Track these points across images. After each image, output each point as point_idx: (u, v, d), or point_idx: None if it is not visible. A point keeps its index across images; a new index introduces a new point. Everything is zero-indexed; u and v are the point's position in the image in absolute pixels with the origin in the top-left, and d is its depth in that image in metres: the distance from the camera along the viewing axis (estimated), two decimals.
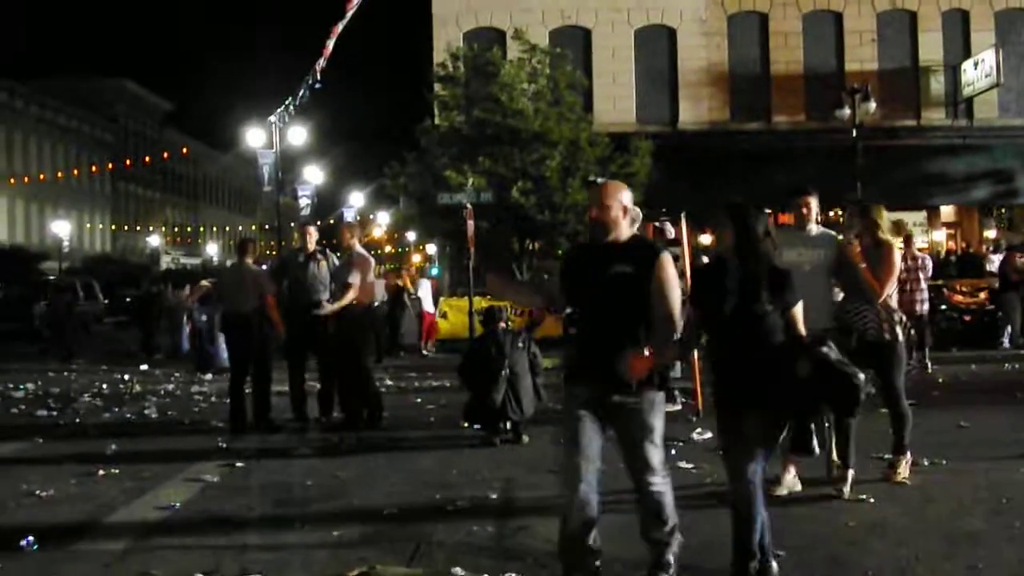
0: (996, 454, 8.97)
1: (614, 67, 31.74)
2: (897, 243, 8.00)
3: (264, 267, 13.49)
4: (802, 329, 5.48)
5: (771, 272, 5.46)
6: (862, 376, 5.32)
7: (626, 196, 5.58)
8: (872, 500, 7.34)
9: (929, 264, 17.23)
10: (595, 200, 5.52)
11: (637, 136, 27.56)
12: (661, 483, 5.35)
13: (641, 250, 5.50)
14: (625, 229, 5.55)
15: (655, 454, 5.36)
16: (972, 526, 6.62)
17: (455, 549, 6.37)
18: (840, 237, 7.96)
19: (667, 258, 5.41)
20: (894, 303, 7.93)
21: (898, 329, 7.79)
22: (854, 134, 26.94)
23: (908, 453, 8.07)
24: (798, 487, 7.62)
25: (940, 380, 15.14)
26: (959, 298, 21.62)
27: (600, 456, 5.40)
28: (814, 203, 7.75)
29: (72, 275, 45.83)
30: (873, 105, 27.77)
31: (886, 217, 8.00)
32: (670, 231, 13.20)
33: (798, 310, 5.45)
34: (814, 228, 7.74)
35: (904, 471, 8.00)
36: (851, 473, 7.66)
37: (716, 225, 5.63)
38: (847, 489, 7.51)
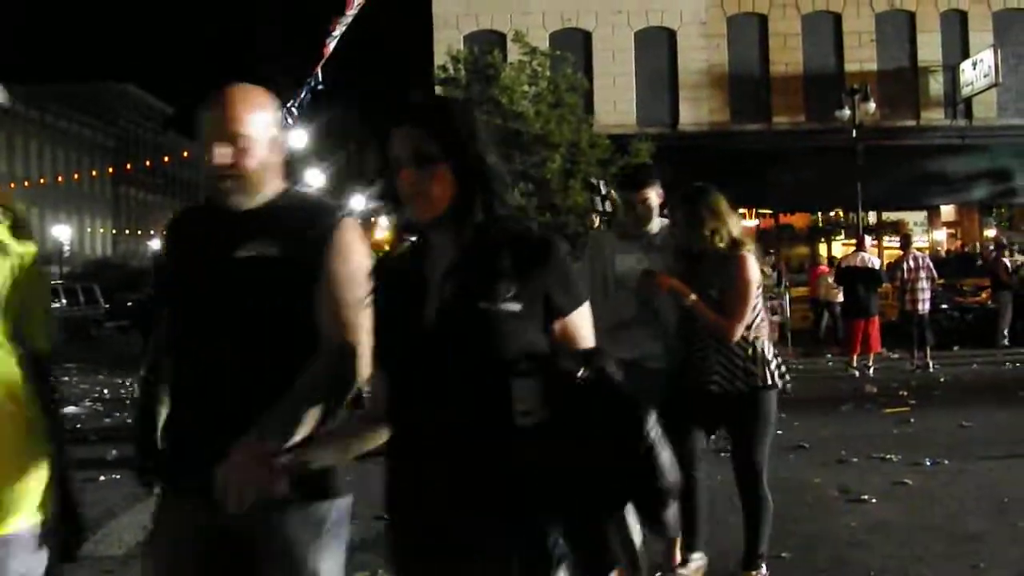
0: (998, 453, 8.96)
1: (614, 69, 31.74)
2: (752, 249, 5.42)
3: None
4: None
5: (518, 237, 2.55)
6: (651, 419, 2.29)
7: (272, 115, 3.00)
8: (874, 500, 7.33)
9: (931, 263, 17.33)
10: (218, 127, 2.87)
11: (638, 138, 27.56)
12: None
13: (302, 215, 2.91)
14: (275, 181, 2.98)
15: None
16: (975, 526, 6.61)
17: None
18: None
19: (351, 231, 2.92)
20: (762, 332, 5.35)
21: (761, 372, 5.22)
22: (854, 134, 26.93)
23: (764, 567, 5.41)
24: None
25: (941, 379, 15.16)
26: (960, 297, 21.75)
27: None
28: (654, 195, 5.58)
29: (72, 280, 45.89)
30: (872, 105, 27.78)
31: (729, 210, 5.40)
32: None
33: (579, 318, 2.55)
34: (656, 224, 5.65)
35: None
36: (698, 561, 5.46)
37: (397, 153, 2.54)
38: None
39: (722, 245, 5.27)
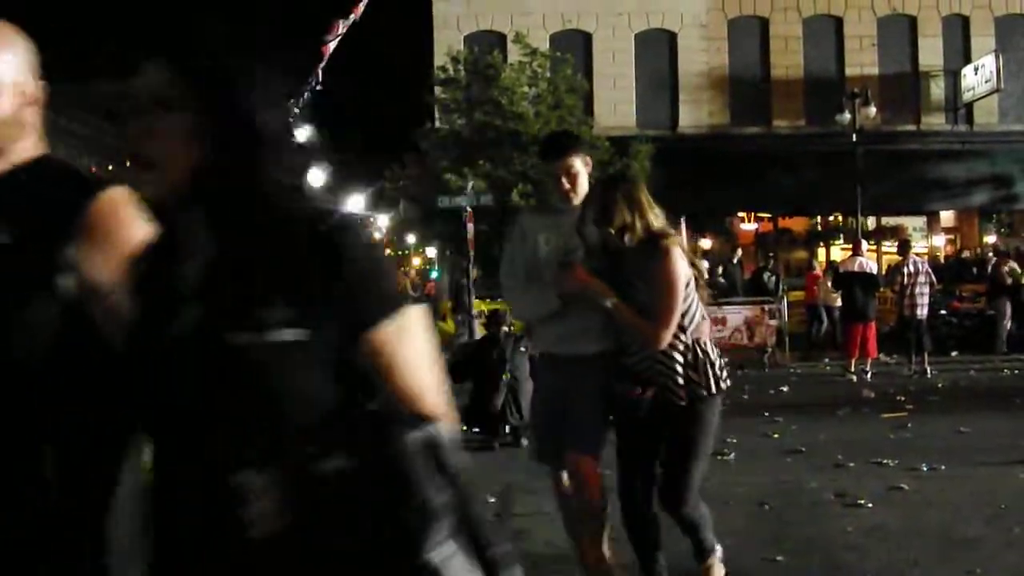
0: (995, 459, 8.95)
1: (614, 71, 31.72)
2: (677, 241, 4.72)
3: None
4: (426, 401, 1.79)
5: (293, 224, 1.73)
6: (440, 530, 1.73)
7: (17, 59, 2.28)
8: (870, 505, 7.32)
9: (930, 269, 17.38)
10: None
11: (637, 139, 27.55)
12: None
13: (49, 187, 2.16)
14: (23, 143, 2.20)
15: None
16: (970, 531, 6.61)
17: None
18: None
19: (116, 207, 2.13)
20: (703, 331, 4.72)
21: (704, 380, 4.60)
22: (854, 139, 26.91)
23: (717, 549, 4.89)
24: None
25: (939, 385, 15.14)
26: (958, 302, 21.78)
27: None
28: (579, 163, 4.86)
29: None
30: (873, 110, 27.76)
31: (650, 203, 4.67)
32: None
33: (396, 335, 1.74)
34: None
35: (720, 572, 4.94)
36: None
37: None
38: None
39: (634, 242, 4.56)
